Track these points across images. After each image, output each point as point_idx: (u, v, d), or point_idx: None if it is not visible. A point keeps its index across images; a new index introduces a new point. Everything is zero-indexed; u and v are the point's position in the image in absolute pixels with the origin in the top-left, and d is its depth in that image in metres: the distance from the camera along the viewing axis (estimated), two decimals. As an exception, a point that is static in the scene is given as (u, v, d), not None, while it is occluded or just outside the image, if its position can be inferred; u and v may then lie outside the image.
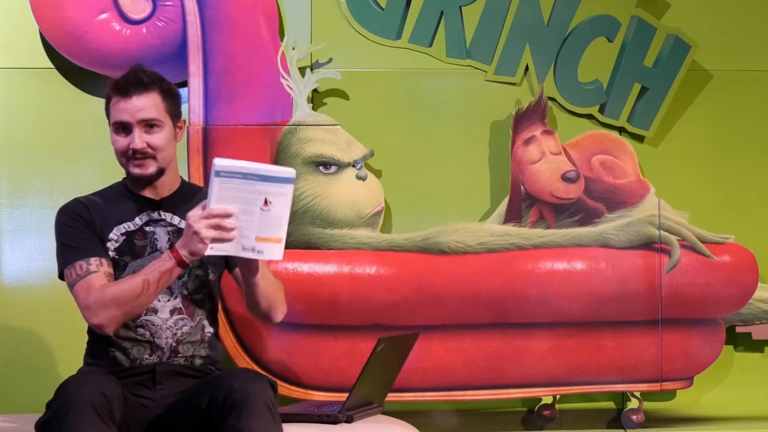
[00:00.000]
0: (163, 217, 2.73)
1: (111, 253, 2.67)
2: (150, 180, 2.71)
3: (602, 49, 3.54)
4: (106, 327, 2.59)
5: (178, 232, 2.70)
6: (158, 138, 2.68)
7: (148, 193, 2.73)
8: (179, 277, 2.67)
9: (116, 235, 2.69)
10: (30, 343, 3.32)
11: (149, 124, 2.66)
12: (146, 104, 2.66)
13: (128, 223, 2.70)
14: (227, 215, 2.45)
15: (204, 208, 2.46)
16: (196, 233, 2.46)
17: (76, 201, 2.75)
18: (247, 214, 2.46)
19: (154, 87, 2.68)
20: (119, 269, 2.67)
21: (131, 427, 2.58)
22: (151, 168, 2.68)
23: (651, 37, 3.54)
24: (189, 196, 2.77)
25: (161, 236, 2.71)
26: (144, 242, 2.69)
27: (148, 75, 2.69)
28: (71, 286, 2.65)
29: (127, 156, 2.67)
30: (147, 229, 2.71)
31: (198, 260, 2.68)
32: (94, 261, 2.64)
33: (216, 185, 2.42)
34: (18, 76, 3.37)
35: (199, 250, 2.49)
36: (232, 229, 2.46)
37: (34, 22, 3.30)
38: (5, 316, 3.33)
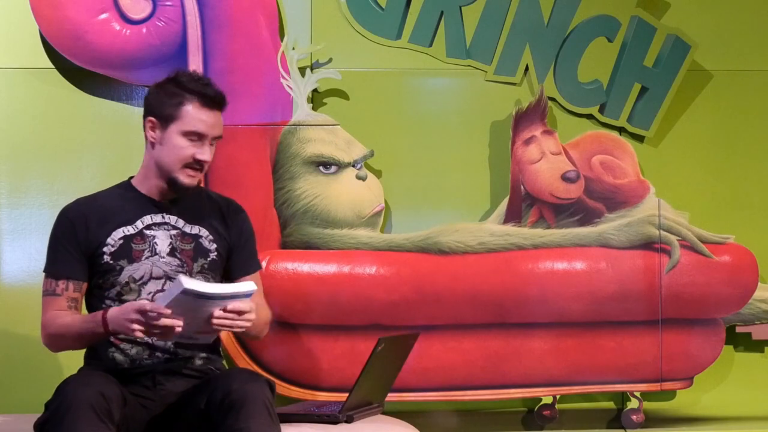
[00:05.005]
0: (167, 220, 2.73)
1: (106, 257, 2.67)
2: (189, 190, 2.73)
3: (602, 49, 3.54)
4: (49, 348, 2.73)
5: (182, 236, 2.72)
6: (213, 154, 2.74)
7: (154, 195, 2.74)
8: None
9: (113, 239, 2.69)
10: (30, 343, 3.31)
11: (213, 141, 2.72)
12: (220, 122, 2.72)
13: (128, 226, 2.70)
14: (163, 315, 2.46)
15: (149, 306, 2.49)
16: (129, 321, 2.48)
17: (75, 204, 2.76)
18: (194, 319, 2.50)
19: (225, 107, 2.75)
20: (114, 274, 2.67)
21: (131, 427, 2.58)
22: (197, 179, 2.72)
23: (651, 37, 3.54)
24: (195, 198, 2.78)
25: (162, 240, 2.71)
26: (142, 246, 2.69)
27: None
28: (42, 294, 2.73)
29: (187, 164, 2.68)
30: (147, 232, 2.71)
31: (199, 266, 2.72)
32: (62, 283, 2.69)
33: (174, 298, 2.44)
34: (18, 76, 3.37)
35: (124, 333, 2.53)
36: (160, 333, 2.49)
37: (34, 22, 3.30)
38: (5, 316, 3.33)
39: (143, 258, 2.68)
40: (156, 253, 2.69)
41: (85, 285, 2.71)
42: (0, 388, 3.31)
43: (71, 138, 3.39)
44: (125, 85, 3.36)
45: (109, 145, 3.38)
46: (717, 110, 3.62)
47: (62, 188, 3.35)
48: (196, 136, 2.67)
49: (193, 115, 2.66)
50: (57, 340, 2.68)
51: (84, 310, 2.73)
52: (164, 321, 2.45)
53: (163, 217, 2.73)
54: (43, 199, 3.36)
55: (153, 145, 2.70)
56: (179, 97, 2.66)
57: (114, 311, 2.54)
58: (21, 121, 3.38)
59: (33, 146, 3.38)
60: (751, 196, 3.62)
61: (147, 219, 2.72)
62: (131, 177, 2.79)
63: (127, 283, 2.67)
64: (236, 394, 2.46)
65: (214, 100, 2.68)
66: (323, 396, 3.33)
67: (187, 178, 2.68)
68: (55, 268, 2.70)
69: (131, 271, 2.67)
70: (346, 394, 2.80)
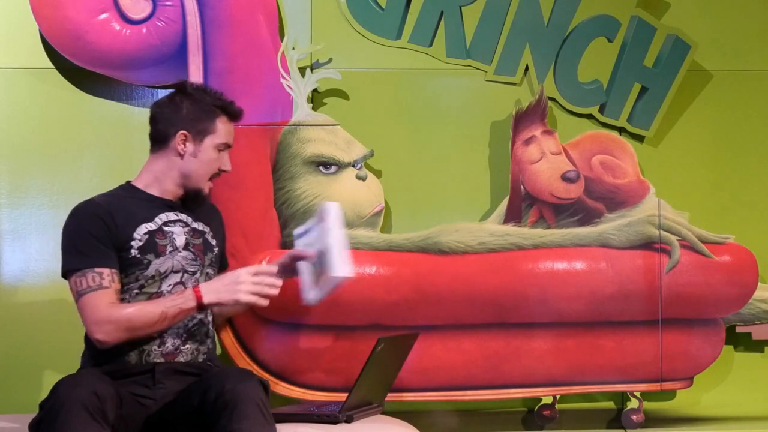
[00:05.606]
0: (180, 217, 2.82)
1: (134, 252, 2.71)
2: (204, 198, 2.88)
3: (602, 49, 3.54)
4: (109, 344, 2.67)
5: (192, 232, 2.82)
6: None
7: (164, 195, 2.82)
8: (192, 274, 2.78)
9: (139, 235, 2.74)
10: (30, 343, 3.32)
11: None
12: None
13: (149, 223, 2.77)
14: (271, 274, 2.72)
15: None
16: (237, 284, 2.66)
17: (94, 202, 2.78)
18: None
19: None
20: (141, 268, 2.72)
21: (128, 426, 2.59)
22: None
23: (651, 37, 3.54)
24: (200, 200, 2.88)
25: (179, 235, 2.79)
26: (164, 241, 2.76)
27: None
28: (79, 295, 2.68)
29: (213, 175, 2.85)
30: (166, 229, 2.78)
31: (209, 259, 2.83)
32: (107, 274, 2.68)
33: (318, 226, 2.82)
34: (18, 76, 3.37)
35: (227, 301, 2.68)
36: (267, 295, 2.70)
37: (34, 22, 3.30)
38: (5, 316, 3.33)
39: (167, 252, 2.75)
40: (176, 248, 2.77)
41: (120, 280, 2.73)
42: (0, 388, 3.31)
43: (71, 138, 3.39)
44: (125, 85, 3.36)
45: (109, 145, 3.39)
46: (717, 110, 3.62)
47: (62, 188, 3.35)
48: (224, 147, 2.84)
49: (224, 128, 2.84)
50: (129, 326, 2.64)
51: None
52: (272, 279, 2.67)
53: (176, 215, 2.82)
54: (43, 199, 3.37)
55: (182, 156, 2.80)
56: (213, 113, 2.82)
57: (211, 283, 2.70)
58: (21, 121, 3.38)
59: (33, 146, 3.38)
60: (751, 196, 3.62)
61: (163, 216, 2.79)
62: (128, 181, 2.83)
63: (153, 276, 2.73)
64: (229, 394, 2.47)
65: (238, 114, 2.88)
66: (323, 396, 3.33)
67: (208, 188, 2.85)
68: (97, 261, 2.68)
69: (158, 264, 2.73)
70: (346, 394, 2.80)
